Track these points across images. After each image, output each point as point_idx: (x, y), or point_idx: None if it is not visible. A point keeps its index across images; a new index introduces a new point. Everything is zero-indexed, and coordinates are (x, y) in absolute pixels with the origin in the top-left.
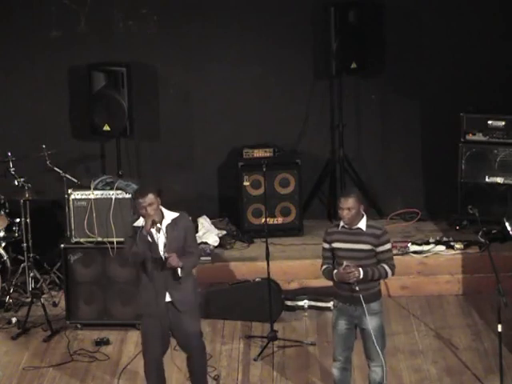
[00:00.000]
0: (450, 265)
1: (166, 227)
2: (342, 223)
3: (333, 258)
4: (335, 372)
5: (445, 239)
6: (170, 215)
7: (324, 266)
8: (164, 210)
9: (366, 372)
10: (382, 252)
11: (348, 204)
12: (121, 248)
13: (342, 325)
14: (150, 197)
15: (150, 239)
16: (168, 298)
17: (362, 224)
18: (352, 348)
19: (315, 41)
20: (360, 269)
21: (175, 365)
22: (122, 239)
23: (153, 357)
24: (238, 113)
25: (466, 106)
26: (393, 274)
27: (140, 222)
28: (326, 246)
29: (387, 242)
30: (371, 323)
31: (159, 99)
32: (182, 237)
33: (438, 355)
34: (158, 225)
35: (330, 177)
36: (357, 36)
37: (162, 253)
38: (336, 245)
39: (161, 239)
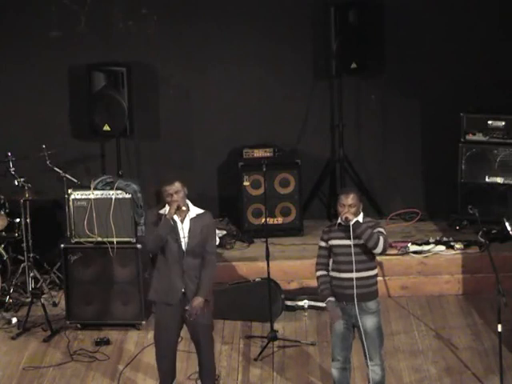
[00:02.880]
0: (449, 265)
1: (191, 220)
2: (338, 221)
3: (328, 256)
4: (334, 372)
5: (445, 239)
6: (195, 210)
7: (320, 272)
8: (190, 204)
9: (365, 372)
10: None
11: (349, 201)
12: (121, 248)
13: (340, 325)
14: (177, 184)
15: (172, 223)
16: (183, 289)
17: (359, 219)
18: (351, 347)
19: (315, 41)
20: None
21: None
22: (122, 239)
23: (165, 345)
24: (238, 113)
25: (466, 105)
26: (384, 249)
27: (165, 210)
28: (323, 244)
29: (380, 227)
30: (368, 323)
31: (159, 99)
32: (205, 233)
33: (438, 355)
34: (183, 208)
35: (330, 177)
36: (357, 36)
37: (183, 244)
38: (333, 242)
39: (184, 230)
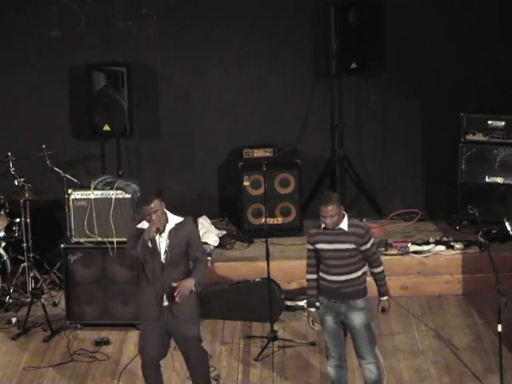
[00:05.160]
0: (449, 265)
1: (169, 232)
2: (323, 225)
3: (317, 258)
4: (331, 370)
5: (445, 239)
6: (174, 220)
7: (309, 276)
8: (169, 214)
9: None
10: (367, 249)
11: (329, 212)
12: (121, 248)
13: (330, 321)
14: (155, 203)
15: (150, 245)
16: (165, 303)
17: (344, 224)
18: (344, 344)
19: (315, 41)
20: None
21: (174, 366)
22: (122, 239)
23: (149, 359)
24: (238, 113)
25: (466, 105)
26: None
27: (145, 224)
28: (310, 247)
29: (370, 238)
30: (356, 319)
31: (159, 99)
32: (185, 242)
33: (438, 355)
34: (161, 229)
35: (330, 177)
36: (357, 36)
37: (162, 258)
38: (320, 246)
39: (162, 244)
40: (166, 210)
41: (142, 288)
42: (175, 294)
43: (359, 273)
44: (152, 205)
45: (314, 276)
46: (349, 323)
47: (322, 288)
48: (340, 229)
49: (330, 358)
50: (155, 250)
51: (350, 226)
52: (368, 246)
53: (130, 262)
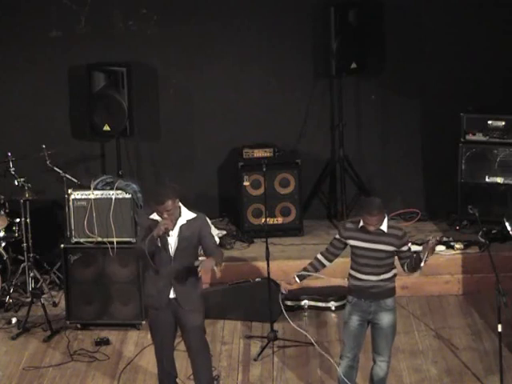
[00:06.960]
0: (449, 265)
1: (180, 227)
2: (361, 224)
3: (338, 250)
4: (341, 370)
5: (445, 239)
6: (186, 215)
7: (320, 256)
8: (183, 209)
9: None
10: (405, 251)
11: (374, 221)
12: (121, 248)
13: (355, 320)
14: (168, 203)
15: (159, 242)
16: (172, 295)
17: (384, 226)
18: (361, 346)
19: (315, 41)
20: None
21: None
22: (122, 239)
23: (160, 346)
24: (238, 113)
25: (466, 105)
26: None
27: (155, 215)
28: (339, 237)
29: (408, 241)
30: (385, 319)
31: (159, 99)
32: (196, 237)
33: (438, 355)
34: (167, 233)
35: (330, 177)
36: (357, 36)
37: (171, 251)
38: (354, 243)
39: (172, 238)
40: (180, 205)
41: (150, 278)
42: (199, 269)
43: (391, 273)
44: (164, 205)
45: (324, 261)
46: (377, 322)
47: (351, 287)
48: (380, 229)
49: (344, 357)
50: (164, 244)
51: (389, 227)
52: (406, 248)
53: (138, 253)
